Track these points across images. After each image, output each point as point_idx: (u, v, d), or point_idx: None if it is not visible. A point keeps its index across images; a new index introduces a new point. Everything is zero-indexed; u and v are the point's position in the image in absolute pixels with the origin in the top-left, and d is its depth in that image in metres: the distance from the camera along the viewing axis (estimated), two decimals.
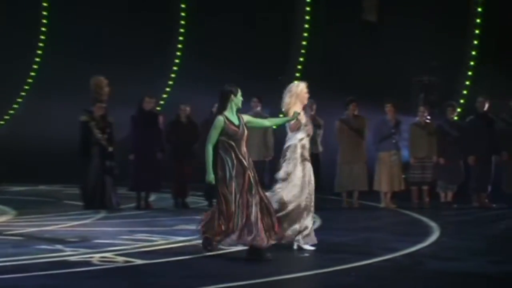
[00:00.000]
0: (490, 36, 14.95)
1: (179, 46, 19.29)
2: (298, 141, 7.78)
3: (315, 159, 11.85)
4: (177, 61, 19.25)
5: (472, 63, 15.29)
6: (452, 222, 10.23)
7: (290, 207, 7.61)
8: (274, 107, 16.11)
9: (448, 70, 15.27)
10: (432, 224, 9.71)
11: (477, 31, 15.26)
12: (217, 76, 16.14)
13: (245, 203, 7.03)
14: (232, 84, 7.36)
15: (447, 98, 13.66)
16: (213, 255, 7.27)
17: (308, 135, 7.89)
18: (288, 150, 7.78)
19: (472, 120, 12.35)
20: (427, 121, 12.54)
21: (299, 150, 7.75)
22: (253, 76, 15.76)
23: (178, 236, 8.49)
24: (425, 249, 7.81)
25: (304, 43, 17.65)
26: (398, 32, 15.32)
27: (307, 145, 7.86)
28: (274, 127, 14.32)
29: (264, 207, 7.12)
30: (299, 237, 7.61)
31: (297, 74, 17.52)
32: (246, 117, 7.35)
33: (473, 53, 15.29)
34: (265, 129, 12.02)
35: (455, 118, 12.55)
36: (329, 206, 11.95)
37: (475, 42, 15.26)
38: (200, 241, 7.41)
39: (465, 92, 15.17)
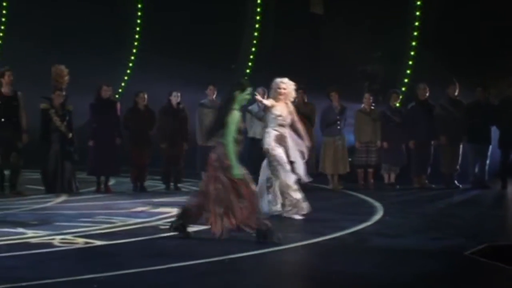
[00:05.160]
0: (429, 28, 15.17)
1: (136, 36, 19.06)
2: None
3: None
4: (134, 51, 19.04)
5: (412, 53, 15.50)
6: (395, 202, 10.35)
7: None
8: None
9: (390, 60, 15.44)
10: (376, 204, 9.82)
11: (416, 23, 15.47)
12: (173, 66, 16.13)
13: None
14: (245, 81, 7.10)
15: (389, 86, 13.80)
16: (171, 236, 7.21)
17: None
18: None
19: (413, 107, 12.51)
20: (372, 107, 12.65)
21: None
22: (207, 65, 15.71)
23: (136, 218, 8.39)
24: (370, 228, 7.89)
25: (255, 34, 17.64)
26: (343, 24, 15.42)
27: None
28: None
29: None
30: None
31: (249, 64, 17.53)
32: None
33: (413, 43, 15.49)
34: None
35: (397, 104, 12.70)
36: None
37: (415, 33, 15.47)
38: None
39: (406, 80, 15.36)
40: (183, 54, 16.54)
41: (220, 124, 6.89)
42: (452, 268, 6.11)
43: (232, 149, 6.78)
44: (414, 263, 6.24)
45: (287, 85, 8.64)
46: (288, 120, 8.61)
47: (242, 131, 6.99)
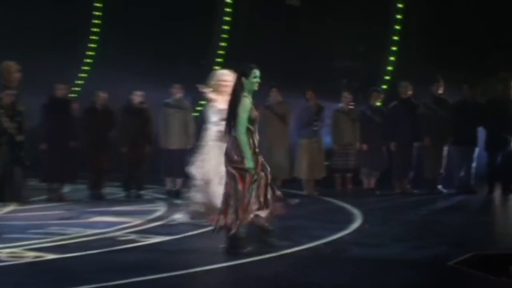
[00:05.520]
0: (412, 21, 15.22)
1: (95, 30, 18.90)
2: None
3: None
4: (93, 45, 18.88)
5: (394, 48, 15.55)
6: (375, 209, 10.38)
7: None
8: (196, 93, 16.10)
9: (371, 56, 15.49)
10: (355, 211, 9.84)
11: (399, 16, 15.52)
12: (136, 63, 16.03)
13: (263, 183, 6.81)
14: (250, 64, 6.90)
15: (370, 84, 13.85)
16: (130, 248, 7.16)
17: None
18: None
19: (395, 106, 12.55)
20: (351, 107, 12.68)
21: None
22: (174, 62, 15.64)
23: (93, 229, 8.31)
24: (347, 236, 7.89)
25: (226, 27, 17.61)
26: (321, 17, 15.44)
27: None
28: (196, 114, 14.29)
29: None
30: None
31: (219, 59, 17.49)
32: None
33: (396, 38, 15.55)
34: (186, 116, 11.97)
35: (378, 104, 12.73)
36: None
37: (397, 27, 15.52)
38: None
39: (387, 77, 15.42)
40: (147, 50, 16.44)
41: (232, 115, 6.79)
42: (436, 279, 6.12)
43: (244, 141, 6.71)
44: (395, 274, 6.25)
45: (230, 77, 8.75)
46: None
47: (256, 121, 6.85)
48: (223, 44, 17.61)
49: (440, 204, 11.14)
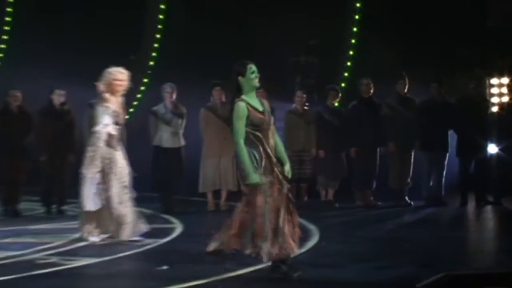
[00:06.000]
0: (373, 10, 15.37)
1: (8, 19, 18.65)
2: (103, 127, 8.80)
3: (176, 153, 11.93)
4: (5, 37, 18.63)
5: (353, 41, 15.68)
6: (333, 224, 10.46)
7: None
8: (127, 92, 15.97)
9: (327, 50, 15.60)
10: (311, 226, 9.87)
11: (358, 4, 15.66)
12: (58, 57, 15.86)
13: (275, 206, 6.76)
14: (242, 61, 6.91)
15: (326, 81, 13.95)
16: (50, 273, 7.09)
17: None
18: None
19: (355, 106, 12.66)
20: (305, 108, 12.76)
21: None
22: (99, 55, 15.49)
23: (7, 251, 8.20)
24: (302, 256, 7.88)
25: (161, 17, 17.56)
26: (272, 6, 15.49)
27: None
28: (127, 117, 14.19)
29: (291, 206, 6.94)
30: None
31: (153, 54, 17.43)
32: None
33: (355, 29, 15.68)
34: None
35: (336, 104, 12.83)
36: (193, 209, 11.94)
37: (356, 17, 15.65)
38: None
39: (346, 74, 15.56)
40: (70, 44, 16.29)
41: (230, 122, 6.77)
42: None
43: (242, 152, 6.66)
44: None
45: (124, 76, 8.97)
46: (122, 118, 9.02)
47: (262, 125, 6.78)
48: (158, 36, 17.54)
49: (407, 218, 11.27)
